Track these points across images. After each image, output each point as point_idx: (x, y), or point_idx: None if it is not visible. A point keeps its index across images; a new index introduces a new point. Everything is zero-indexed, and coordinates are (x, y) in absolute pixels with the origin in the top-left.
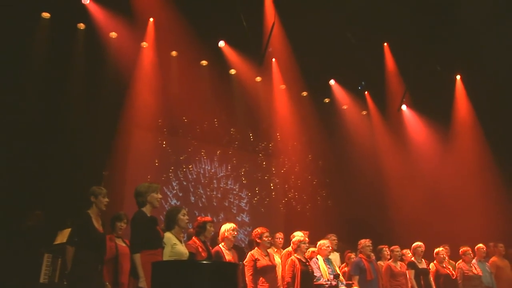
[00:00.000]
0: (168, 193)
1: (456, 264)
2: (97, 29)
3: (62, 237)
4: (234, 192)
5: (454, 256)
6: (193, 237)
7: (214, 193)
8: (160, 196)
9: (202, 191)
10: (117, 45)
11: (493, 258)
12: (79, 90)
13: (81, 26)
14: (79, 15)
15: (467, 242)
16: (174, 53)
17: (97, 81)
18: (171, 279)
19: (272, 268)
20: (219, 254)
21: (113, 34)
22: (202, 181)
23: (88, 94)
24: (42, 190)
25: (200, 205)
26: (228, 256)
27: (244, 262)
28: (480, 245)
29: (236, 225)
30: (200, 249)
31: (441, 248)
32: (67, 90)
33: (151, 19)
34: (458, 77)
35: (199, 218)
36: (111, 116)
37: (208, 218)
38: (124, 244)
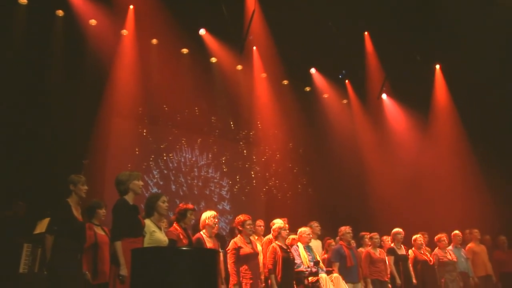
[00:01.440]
0: (149, 181)
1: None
2: (76, 16)
3: (42, 226)
4: (215, 180)
5: (432, 242)
6: (174, 224)
7: (195, 181)
8: (141, 183)
9: (183, 180)
10: (97, 33)
11: (470, 244)
12: (58, 78)
13: (60, 13)
14: (57, 2)
15: (445, 229)
16: (154, 41)
17: (77, 69)
18: (151, 266)
19: (255, 255)
20: (200, 241)
21: (93, 22)
22: (183, 169)
23: (67, 82)
24: (21, 180)
25: (181, 193)
26: (209, 243)
27: (226, 249)
28: (456, 231)
29: (217, 213)
30: (181, 236)
31: (418, 235)
32: (46, 79)
33: (131, 7)
34: (437, 66)
35: (181, 204)
36: (91, 104)
37: (191, 205)
38: (103, 233)
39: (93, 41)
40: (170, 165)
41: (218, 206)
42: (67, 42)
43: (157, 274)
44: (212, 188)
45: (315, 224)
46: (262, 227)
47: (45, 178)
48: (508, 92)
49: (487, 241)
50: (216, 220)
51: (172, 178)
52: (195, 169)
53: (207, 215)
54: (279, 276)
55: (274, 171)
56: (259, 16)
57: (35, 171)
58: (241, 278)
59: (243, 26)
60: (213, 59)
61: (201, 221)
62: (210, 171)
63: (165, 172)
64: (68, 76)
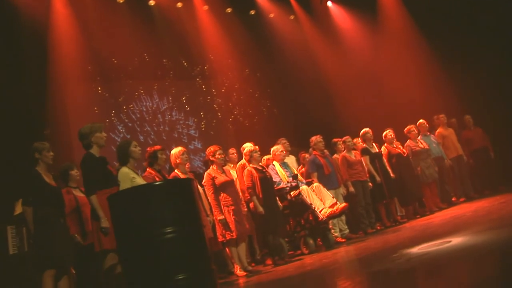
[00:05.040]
0: (116, 137)
1: (405, 143)
2: None
3: (20, 206)
4: (181, 122)
5: (400, 136)
6: (148, 169)
7: (161, 127)
8: (105, 135)
9: (149, 128)
10: (24, 3)
11: (438, 129)
12: None
13: None
14: None
15: (412, 120)
16: None
17: (13, 43)
18: (128, 208)
19: (231, 183)
20: (175, 178)
21: None
22: (147, 118)
23: (6, 59)
24: None
25: (150, 142)
26: None
27: (202, 182)
28: (421, 120)
29: (184, 148)
30: (157, 179)
31: (388, 130)
32: None
33: None
34: None
35: (148, 148)
36: (39, 75)
37: (158, 146)
38: (82, 194)
39: (22, 10)
40: (133, 116)
41: (189, 146)
42: None
43: (136, 213)
44: (180, 130)
45: (283, 140)
46: (235, 154)
47: (11, 158)
48: None
49: (454, 123)
50: (186, 156)
51: (138, 129)
52: (159, 115)
53: (175, 153)
54: (260, 196)
55: (237, 100)
56: None
57: None
58: (222, 207)
59: None
60: (151, 2)
61: (171, 161)
62: (173, 113)
63: (130, 125)
64: (6, 52)
